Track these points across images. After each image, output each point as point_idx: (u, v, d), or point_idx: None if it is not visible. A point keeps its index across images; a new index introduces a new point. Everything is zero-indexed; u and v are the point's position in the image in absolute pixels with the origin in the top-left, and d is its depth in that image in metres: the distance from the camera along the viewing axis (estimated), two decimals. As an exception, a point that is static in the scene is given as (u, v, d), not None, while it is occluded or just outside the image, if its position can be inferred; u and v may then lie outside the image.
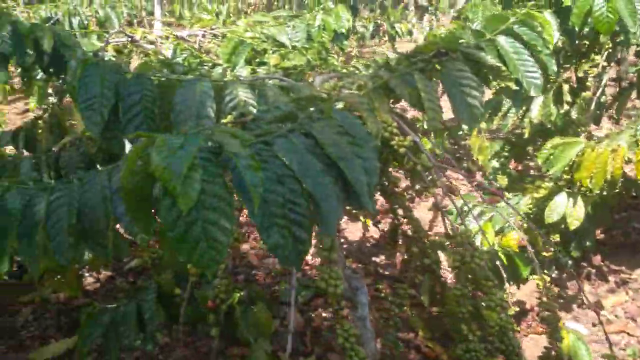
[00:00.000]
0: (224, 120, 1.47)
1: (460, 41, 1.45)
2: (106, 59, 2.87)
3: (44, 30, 2.37)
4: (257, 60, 2.03)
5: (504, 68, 1.42)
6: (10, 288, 2.18)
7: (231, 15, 5.70)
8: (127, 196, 0.85)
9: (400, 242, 1.42)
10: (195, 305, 1.49)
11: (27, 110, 7.37)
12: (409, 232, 1.32)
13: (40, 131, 2.41)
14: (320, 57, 2.23)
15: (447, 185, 1.65)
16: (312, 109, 1.17)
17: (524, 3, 2.07)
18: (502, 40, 1.44)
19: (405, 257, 1.42)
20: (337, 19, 2.73)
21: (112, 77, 1.44)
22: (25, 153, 2.49)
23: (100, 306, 1.51)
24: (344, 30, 2.73)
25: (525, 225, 1.77)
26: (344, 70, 2.01)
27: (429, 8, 3.82)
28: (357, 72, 2.10)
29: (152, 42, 2.98)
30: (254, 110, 1.49)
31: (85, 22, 4.48)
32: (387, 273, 2.45)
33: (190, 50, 2.06)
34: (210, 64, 2.01)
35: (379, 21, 4.75)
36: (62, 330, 2.05)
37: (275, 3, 7.14)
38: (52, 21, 4.45)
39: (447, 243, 1.33)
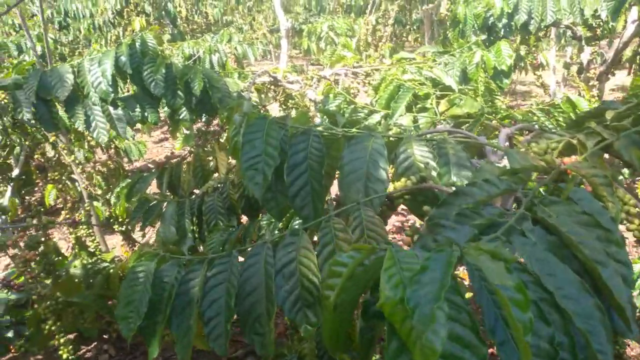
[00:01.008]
0: (397, 185, 1.24)
1: None
2: (250, 99, 2.83)
3: (196, 72, 2.36)
4: (419, 105, 1.80)
5: None
6: None
7: (361, 48, 5.59)
8: (330, 322, 0.64)
9: None
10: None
11: (165, 139, 7.90)
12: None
13: (184, 174, 2.39)
14: (487, 100, 1.94)
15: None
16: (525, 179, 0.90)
17: None
18: None
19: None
20: (498, 54, 2.43)
21: (276, 134, 1.29)
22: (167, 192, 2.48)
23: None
24: (505, 67, 2.42)
25: None
26: (527, 120, 1.70)
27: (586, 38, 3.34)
28: (537, 120, 1.78)
29: (292, 82, 2.90)
30: (435, 173, 1.25)
31: (224, 58, 4.62)
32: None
33: (344, 95, 1.90)
34: (366, 111, 1.82)
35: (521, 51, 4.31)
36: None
37: (404, 36, 6.97)
38: (193, 58, 4.66)
39: None
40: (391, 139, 1.37)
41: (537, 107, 1.91)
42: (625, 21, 3.16)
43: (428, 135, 1.42)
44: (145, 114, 2.26)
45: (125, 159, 4.62)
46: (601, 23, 3.20)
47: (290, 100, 2.57)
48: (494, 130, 1.68)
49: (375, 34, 5.74)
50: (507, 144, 1.43)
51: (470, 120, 1.67)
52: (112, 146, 3.98)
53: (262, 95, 3.01)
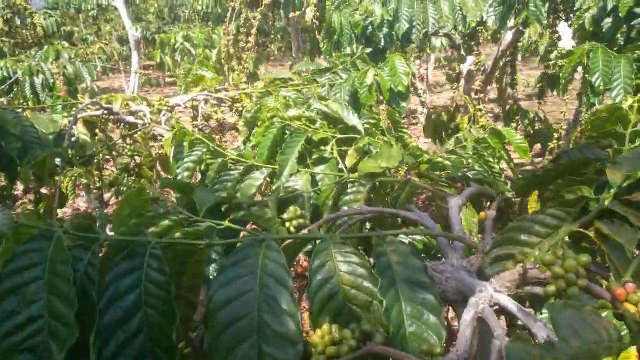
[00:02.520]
0: (316, 339, 0.69)
1: None
2: (77, 137, 2.07)
3: (-24, 116, 1.58)
4: (315, 156, 1.26)
5: None
6: None
7: (223, 61, 4.96)
8: None
9: None
10: None
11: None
12: None
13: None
14: (394, 137, 1.48)
15: None
16: None
17: None
18: None
19: None
20: (393, 72, 2.00)
21: (69, 268, 0.66)
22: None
23: None
24: (402, 89, 2.00)
25: None
26: (457, 166, 1.25)
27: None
28: (467, 165, 1.34)
29: (133, 114, 2.20)
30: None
31: (52, 80, 3.69)
32: None
33: (206, 144, 1.29)
34: (241, 168, 1.24)
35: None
36: None
37: (268, 46, 6.44)
38: (9, 82, 3.66)
39: None
40: (290, 243, 0.81)
41: (459, 146, 1.48)
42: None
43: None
44: None
45: None
46: (483, 30, 2.98)
47: (131, 145, 1.88)
48: (416, 189, 1.21)
49: (237, 44, 5.15)
50: (461, 215, 0.95)
51: (389, 178, 1.18)
52: None
53: (99, 135, 2.26)
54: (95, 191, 2.15)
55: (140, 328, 0.68)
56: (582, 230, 0.72)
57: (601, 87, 1.77)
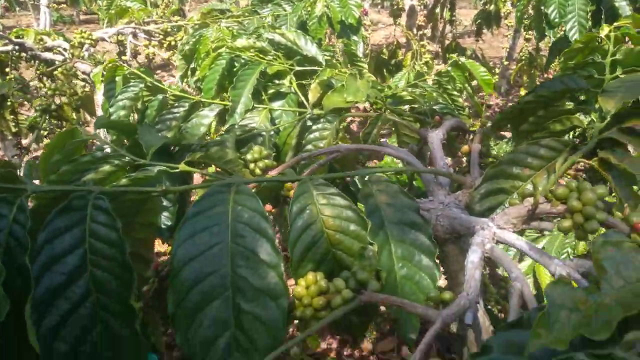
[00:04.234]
0: (301, 291, 0.61)
1: None
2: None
3: None
4: (271, 91, 1.13)
5: None
6: None
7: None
8: None
9: None
10: None
11: None
12: None
13: None
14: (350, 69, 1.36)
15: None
16: None
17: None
18: None
19: None
20: (343, 3, 1.86)
21: None
22: None
23: None
24: (352, 21, 1.86)
25: None
26: (418, 100, 1.16)
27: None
28: (429, 98, 1.27)
29: (50, 49, 1.92)
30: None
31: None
32: None
33: (143, 79, 1.11)
34: (186, 106, 1.08)
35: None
36: None
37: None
38: None
39: None
40: (265, 184, 0.70)
41: (421, 80, 1.40)
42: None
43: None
44: None
45: None
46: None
47: (52, 84, 1.63)
48: (385, 123, 1.12)
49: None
50: (442, 152, 0.87)
51: (358, 113, 1.08)
52: None
53: (11, 74, 1.97)
54: (10, 137, 1.90)
55: (86, 294, 0.56)
56: (584, 160, 0.67)
57: (556, 20, 1.73)
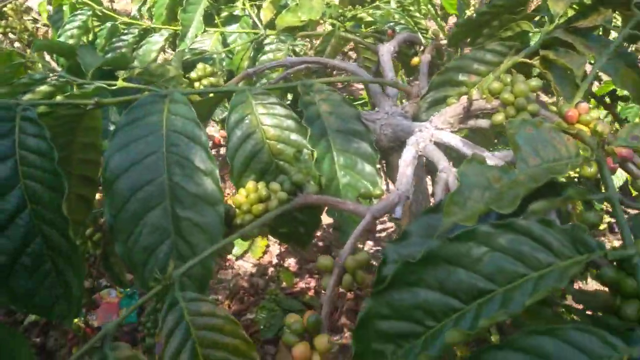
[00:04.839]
0: (240, 199, 0.61)
1: None
2: None
3: None
4: (224, 14, 1.09)
5: None
6: None
7: None
8: None
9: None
10: None
11: None
12: None
13: None
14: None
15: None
16: None
17: None
18: None
19: None
20: None
21: None
22: None
23: None
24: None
25: None
26: (382, 22, 1.13)
27: None
28: (394, 20, 1.24)
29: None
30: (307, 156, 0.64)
31: None
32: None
33: (91, 7, 1.06)
34: (136, 31, 1.04)
35: None
36: None
37: None
38: None
39: None
40: (201, 97, 0.69)
41: (383, 1, 1.36)
42: None
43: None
44: None
45: None
46: None
47: (1, 21, 1.56)
48: (345, 43, 1.09)
49: None
50: (391, 64, 0.86)
51: (311, 32, 1.06)
52: None
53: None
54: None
55: (21, 204, 0.55)
56: (526, 60, 0.66)
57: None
